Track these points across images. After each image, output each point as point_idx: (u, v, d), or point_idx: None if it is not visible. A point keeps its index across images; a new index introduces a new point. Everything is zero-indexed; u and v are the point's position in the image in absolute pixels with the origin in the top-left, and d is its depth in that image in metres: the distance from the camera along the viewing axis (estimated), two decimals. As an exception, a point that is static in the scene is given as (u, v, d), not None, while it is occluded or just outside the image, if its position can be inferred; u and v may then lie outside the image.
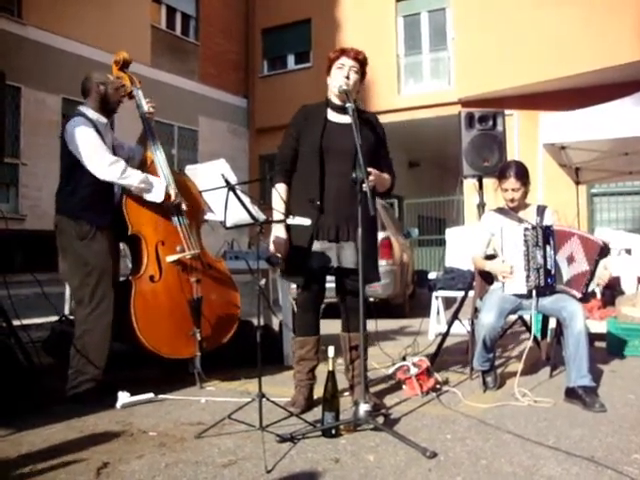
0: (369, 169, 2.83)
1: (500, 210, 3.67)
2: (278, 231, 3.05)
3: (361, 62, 3.10)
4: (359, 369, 3.01)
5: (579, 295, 3.35)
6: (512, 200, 3.56)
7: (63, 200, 3.38)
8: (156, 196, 3.46)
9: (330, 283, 3.18)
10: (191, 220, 3.67)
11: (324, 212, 3.01)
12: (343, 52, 3.08)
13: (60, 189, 3.42)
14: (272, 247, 3.08)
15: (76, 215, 3.30)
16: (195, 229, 3.73)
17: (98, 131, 3.35)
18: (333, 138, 3.05)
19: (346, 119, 3.06)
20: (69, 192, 3.35)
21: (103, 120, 3.46)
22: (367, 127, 3.11)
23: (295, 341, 3.20)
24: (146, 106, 3.70)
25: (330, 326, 3.59)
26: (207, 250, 3.82)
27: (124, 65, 3.66)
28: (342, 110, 3.07)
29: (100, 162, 3.27)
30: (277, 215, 2.98)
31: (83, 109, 3.45)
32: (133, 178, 3.36)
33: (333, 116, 3.13)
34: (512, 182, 3.52)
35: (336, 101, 3.12)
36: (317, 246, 3.02)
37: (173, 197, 3.52)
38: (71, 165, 3.33)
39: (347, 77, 3.03)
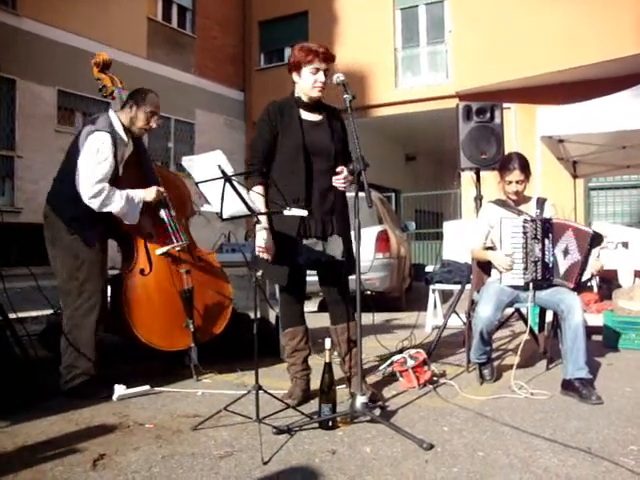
0: (341, 168, 2.89)
1: (499, 202, 3.65)
2: (263, 238, 2.96)
3: (331, 61, 3.06)
4: (354, 360, 3.05)
5: (572, 286, 3.36)
6: (516, 193, 3.53)
7: (58, 197, 3.34)
8: (131, 219, 3.42)
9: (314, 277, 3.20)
10: (178, 213, 3.66)
11: (310, 211, 2.99)
12: (315, 55, 2.99)
13: (58, 185, 3.37)
14: (259, 254, 2.99)
15: (66, 219, 3.27)
16: (182, 222, 3.72)
17: (116, 145, 3.29)
18: (311, 138, 3.06)
19: (317, 117, 3.13)
20: (66, 194, 3.29)
21: (125, 139, 3.41)
22: (336, 121, 3.17)
23: (285, 333, 3.20)
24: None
25: (324, 319, 3.57)
26: (198, 243, 3.81)
27: (104, 67, 3.61)
28: (312, 108, 3.12)
29: (87, 190, 3.21)
30: (262, 221, 2.94)
31: (113, 119, 3.38)
32: (112, 207, 3.29)
33: (305, 115, 3.13)
34: (517, 174, 3.49)
35: (305, 100, 3.10)
36: (303, 243, 3.04)
37: (153, 202, 3.48)
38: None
39: (325, 82, 3.01)
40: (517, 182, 3.51)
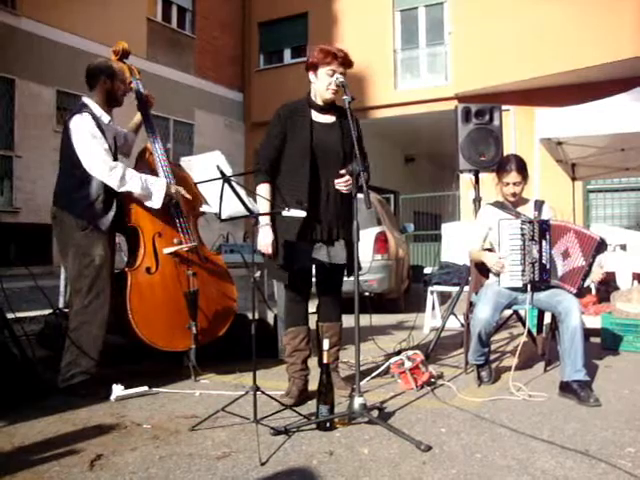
0: (344, 171, 2.92)
1: (497, 204, 3.66)
2: (265, 234, 3.05)
3: (349, 67, 3.10)
4: (334, 357, 3.24)
5: (574, 291, 3.35)
6: (514, 194, 3.55)
7: (64, 194, 3.34)
8: (155, 203, 3.43)
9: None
10: (188, 213, 3.66)
11: (315, 214, 3.02)
12: (334, 57, 3.03)
13: (61, 183, 3.38)
14: (260, 249, 3.07)
15: (77, 213, 3.27)
16: (192, 222, 3.72)
17: (101, 129, 3.30)
18: (321, 140, 3.08)
19: (329, 119, 3.14)
20: (71, 188, 3.30)
21: (106, 117, 3.41)
22: (348, 125, 3.13)
23: (287, 332, 3.21)
24: (144, 91, 3.69)
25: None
26: (204, 243, 3.81)
27: (123, 55, 3.64)
28: (326, 110, 3.14)
29: (100, 167, 3.22)
30: (265, 218, 3.01)
31: (88, 102, 3.38)
32: (132, 185, 3.31)
33: (317, 116, 3.15)
34: (514, 176, 3.51)
35: (319, 102, 3.13)
36: (308, 246, 3.07)
37: (174, 197, 3.51)
38: (74, 161, 3.27)
39: (337, 86, 3.04)
40: (514, 184, 3.52)
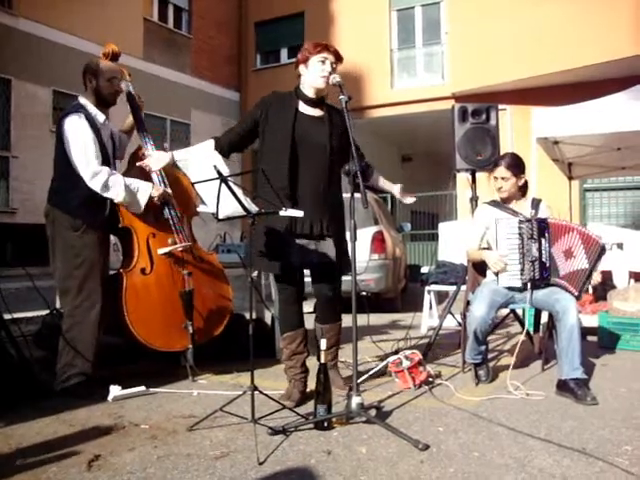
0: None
1: (494, 203, 3.67)
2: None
3: (339, 60, 3.12)
4: (333, 355, 3.27)
5: (576, 293, 3.36)
6: (500, 189, 3.58)
7: (57, 193, 3.33)
8: (137, 208, 3.41)
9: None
10: (182, 212, 3.66)
11: (299, 206, 2.95)
12: (325, 48, 3.07)
13: (55, 182, 3.37)
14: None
15: (71, 211, 3.26)
16: (186, 221, 3.72)
17: (96, 128, 3.29)
18: (304, 131, 3.06)
19: (316, 112, 3.14)
20: (65, 187, 3.30)
21: (101, 117, 3.39)
22: (337, 120, 3.14)
23: (284, 337, 3.18)
24: (133, 91, 3.68)
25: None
26: (199, 243, 3.81)
27: (113, 57, 3.62)
28: (313, 103, 3.13)
29: (85, 170, 3.21)
30: (203, 148, 3.06)
31: (83, 102, 3.38)
32: (115, 191, 3.27)
33: (304, 108, 3.13)
34: (501, 171, 3.55)
35: (309, 93, 3.12)
36: (295, 242, 3.05)
37: (156, 199, 3.47)
38: (68, 160, 3.25)
39: (331, 72, 3.03)
40: (502, 179, 3.56)
